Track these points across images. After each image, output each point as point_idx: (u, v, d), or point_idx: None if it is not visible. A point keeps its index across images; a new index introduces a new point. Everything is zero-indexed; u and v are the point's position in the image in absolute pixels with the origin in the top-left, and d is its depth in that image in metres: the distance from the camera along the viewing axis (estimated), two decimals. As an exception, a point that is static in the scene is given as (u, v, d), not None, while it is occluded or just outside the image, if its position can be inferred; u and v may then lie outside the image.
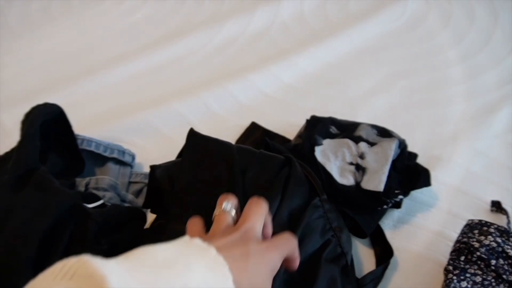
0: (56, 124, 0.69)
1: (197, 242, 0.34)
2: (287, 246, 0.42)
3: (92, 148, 0.73)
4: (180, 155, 0.68)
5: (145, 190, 0.73)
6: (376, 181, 0.65)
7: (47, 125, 0.66)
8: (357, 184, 0.66)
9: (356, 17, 1.10)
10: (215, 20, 1.11)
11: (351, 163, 0.68)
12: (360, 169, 0.68)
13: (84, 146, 0.72)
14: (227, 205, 0.44)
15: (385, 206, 0.65)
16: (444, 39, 1.04)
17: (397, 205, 0.68)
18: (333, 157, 0.69)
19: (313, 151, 0.70)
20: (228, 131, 0.83)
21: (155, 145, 0.82)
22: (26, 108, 0.66)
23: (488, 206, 0.70)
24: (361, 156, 0.69)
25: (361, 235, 0.66)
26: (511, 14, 1.09)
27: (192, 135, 0.66)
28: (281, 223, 0.55)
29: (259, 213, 0.43)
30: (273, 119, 0.86)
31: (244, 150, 0.68)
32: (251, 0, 1.16)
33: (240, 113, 0.87)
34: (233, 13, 1.12)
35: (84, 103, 0.89)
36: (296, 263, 0.43)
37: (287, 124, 0.83)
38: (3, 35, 1.10)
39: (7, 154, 0.67)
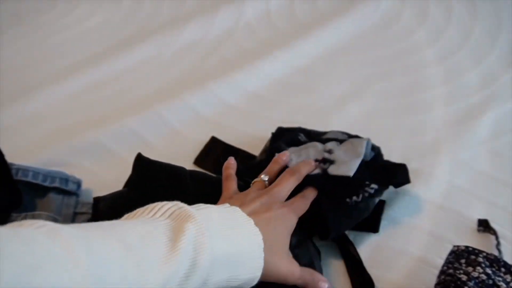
0: None
1: (241, 213, 0.46)
2: (302, 207, 0.54)
3: (29, 179, 0.64)
4: (128, 183, 0.60)
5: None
6: (344, 168, 0.58)
7: None
8: (324, 171, 0.59)
9: (326, 16, 1.02)
10: (174, 24, 1.02)
11: (316, 160, 0.61)
12: (327, 162, 0.60)
13: (19, 176, 0.63)
14: (265, 176, 0.57)
15: (354, 198, 0.57)
16: (420, 38, 0.97)
17: (374, 227, 0.61)
18: (295, 158, 0.62)
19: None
20: (187, 147, 0.75)
21: (106, 167, 0.74)
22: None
23: (474, 225, 0.63)
24: (329, 152, 0.62)
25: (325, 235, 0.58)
26: (491, 7, 1.03)
27: (139, 160, 0.58)
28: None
29: (288, 180, 0.55)
30: (237, 132, 0.78)
31: (199, 176, 0.61)
32: (213, 0, 1.08)
33: (200, 126, 0.79)
34: (194, 16, 1.04)
35: (23, 124, 0.80)
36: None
37: (252, 137, 0.76)
38: None
39: None
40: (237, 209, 0.46)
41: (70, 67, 0.92)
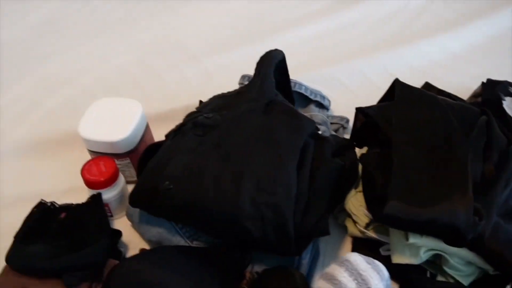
0: (277, 67, 0.82)
1: None
2: None
3: (302, 91, 0.86)
4: (383, 99, 0.80)
5: (340, 130, 0.87)
6: None
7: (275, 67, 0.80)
8: None
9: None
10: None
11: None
12: None
13: (295, 88, 0.86)
14: None
15: None
16: None
17: None
18: (517, 110, 0.78)
19: (501, 104, 0.79)
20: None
21: (339, 96, 0.96)
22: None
23: None
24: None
25: None
26: None
27: (400, 83, 0.77)
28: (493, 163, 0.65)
29: None
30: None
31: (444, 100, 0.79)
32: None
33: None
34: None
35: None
36: None
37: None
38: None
39: (241, 89, 0.82)
40: None
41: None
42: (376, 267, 0.57)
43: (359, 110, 0.79)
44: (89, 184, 0.73)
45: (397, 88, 0.75)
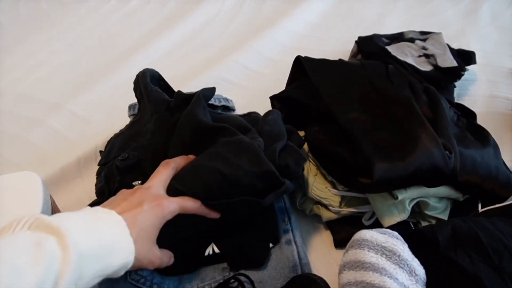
0: (158, 85, 0.74)
1: (102, 209, 0.48)
2: (182, 204, 0.52)
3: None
4: (291, 80, 0.78)
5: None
6: (448, 60, 0.82)
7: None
8: (435, 66, 0.82)
9: None
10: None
11: (419, 56, 0.84)
12: (429, 56, 0.84)
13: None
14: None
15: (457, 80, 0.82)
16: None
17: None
18: (403, 55, 0.84)
19: (389, 52, 0.84)
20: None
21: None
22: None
23: None
24: (424, 48, 0.85)
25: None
26: None
27: (304, 58, 0.75)
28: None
29: (161, 173, 0.54)
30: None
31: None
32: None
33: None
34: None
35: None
36: (212, 215, 0.54)
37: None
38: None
39: (134, 118, 0.73)
40: (98, 208, 0.48)
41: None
42: (392, 234, 0.55)
43: (274, 98, 0.77)
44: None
45: (305, 63, 0.74)
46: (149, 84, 0.69)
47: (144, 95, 0.70)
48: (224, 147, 0.56)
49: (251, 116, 0.70)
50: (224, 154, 0.55)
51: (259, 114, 0.71)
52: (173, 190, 0.53)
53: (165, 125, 0.64)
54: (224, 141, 0.57)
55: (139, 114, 0.74)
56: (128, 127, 0.74)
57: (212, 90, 0.69)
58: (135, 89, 0.74)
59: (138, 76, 0.73)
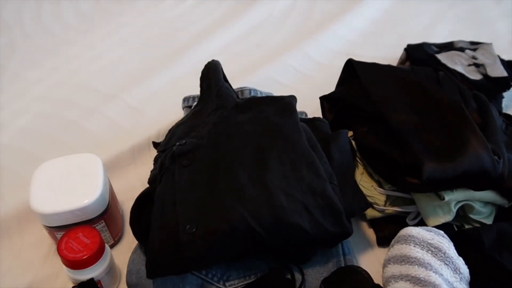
0: None
1: None
2: None
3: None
4: (341, 82, 0.80)
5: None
6: (498, 70, 0.82)
7: None
8: (485, 76, 0.82)
9: None
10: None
11: (469, 65, 0.85)
12: (478, 66, 0.84)
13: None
14: None
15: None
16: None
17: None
18: (453, 63, 0.85)
19: (438, 60, 0.85)
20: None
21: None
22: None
23: None
24: (473, 57, 0.86)
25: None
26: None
27: (355, 62, 0.78)
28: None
29: None
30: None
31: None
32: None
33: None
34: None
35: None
36: None
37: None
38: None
39: (195, 108, 0.76)
40: None
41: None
42: (438, 232, 0.56)
43: (324, 98, 0.79)
44: (74, 264, 0.59)
45: (356, 66, 0.76)
46: (221, 80, 0.71)
47: (213, 89, 0.72)
48: (308, 197, 0.56)
49: (316, 126, 0.70)
50: (310, 208, 0.56)
51: (324, 123, 0.71)
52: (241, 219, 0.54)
53: (229, 121, 0.65)
54: (309, 186, 0.57)
55: (200, 104, 0.75)
56: (189, 117, 0.75)
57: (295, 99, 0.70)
58: (202, 79, 0.75)
59: (208, 68, 0.75)
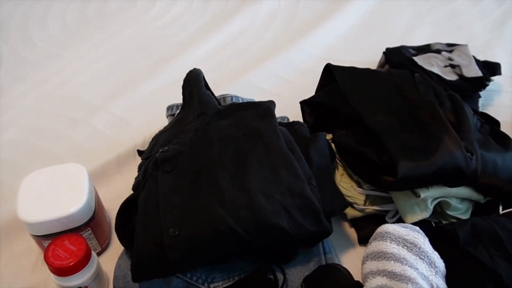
0: None
1: None
2: None
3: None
4: (320, 86, 0.82)
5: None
6: (473, 70, 0.85)
7: None
8: (460, 76, 0.85)
9: None
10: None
11: (445, 66, 0.87)
12: (454, 66, 0.87)
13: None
14: None
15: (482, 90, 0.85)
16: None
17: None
18: (429, 65, 0.88)
19: (415, 63, 0.88)
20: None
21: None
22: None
23: None
24: (450, 59, 0.89)
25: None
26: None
27: (333, 66, 0.80)
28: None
29: None
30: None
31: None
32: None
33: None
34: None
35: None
36: None
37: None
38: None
39: (178, 116, 0.77)
40: None
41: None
42: (413, 228, 0.58)
43: (304, 103, 0.81)
44: (61, 271, 0.60)
45: (334, 71, 0.78)
46: (202, 88, 0.73)
47: (195, 96, 0.73)
48: (287, 198, 0.58)
49: (296, 130, 0.71)
50: (289, 208, 0.57)
51: (303, 126, 0.73)
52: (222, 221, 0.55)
53: (210, 127, 0.67)
54: (288, 188, 0.59)
55: (182, 112, 0.76)
56: (172, 124, 0.76)
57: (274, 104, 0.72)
58: (184, 87, 0.77)
59: (190, 76, 0.77)
